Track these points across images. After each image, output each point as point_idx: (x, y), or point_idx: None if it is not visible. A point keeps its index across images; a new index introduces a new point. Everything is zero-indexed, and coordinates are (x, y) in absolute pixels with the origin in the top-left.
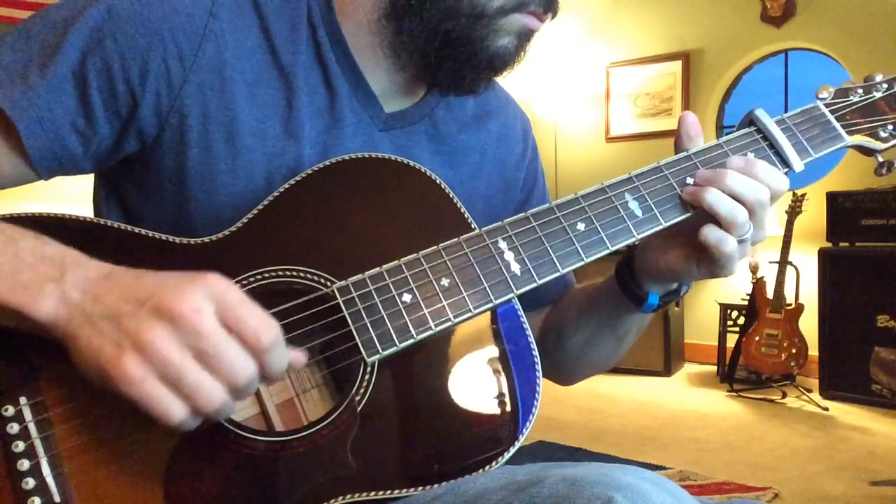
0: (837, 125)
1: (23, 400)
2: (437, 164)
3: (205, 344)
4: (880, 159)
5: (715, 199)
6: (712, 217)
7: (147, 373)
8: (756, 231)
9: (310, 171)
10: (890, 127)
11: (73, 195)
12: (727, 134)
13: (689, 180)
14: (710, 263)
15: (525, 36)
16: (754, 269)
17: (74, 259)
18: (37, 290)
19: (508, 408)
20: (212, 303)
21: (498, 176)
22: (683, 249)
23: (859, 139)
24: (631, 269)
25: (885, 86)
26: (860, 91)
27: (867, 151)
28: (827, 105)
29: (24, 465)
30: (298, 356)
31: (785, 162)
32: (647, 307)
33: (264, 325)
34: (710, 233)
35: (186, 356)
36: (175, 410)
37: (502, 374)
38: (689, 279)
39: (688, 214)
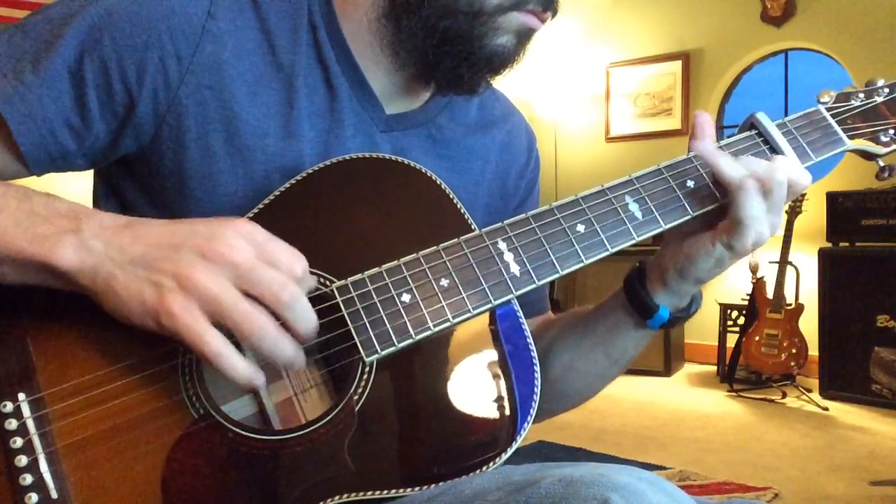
0: (838, 129)
1: (21, 396)
2: (440, 169)
3: (243, 271)
4: (881, 164)
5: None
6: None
7: (190, 305)
8: (772, 212)
9: (310, 171)
10: (891, 131)
11: (73, 194)
12: (728, 135)
13: (690, 183)
14: (728, 232)
15: (525, 35)
16: (754, 269)
17: (86, 212)
18: (56, 240)
19: (507, 409)
20: (244, 239)
21: (499, 185)
22: (697, 233)
23: (860, 143)
24: (643, 279)
25: (887, 90)
26: (861, 95)
27: (868, 156)
28: (828, 109)
29: (22, 461)
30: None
31: None
32: (657, 320)
33: (296, 257)
34: (750, 196)
35: (227, 286)
36: (213, 340)
37: (501, 375)
38: (703, 259)
39: (688, 217)
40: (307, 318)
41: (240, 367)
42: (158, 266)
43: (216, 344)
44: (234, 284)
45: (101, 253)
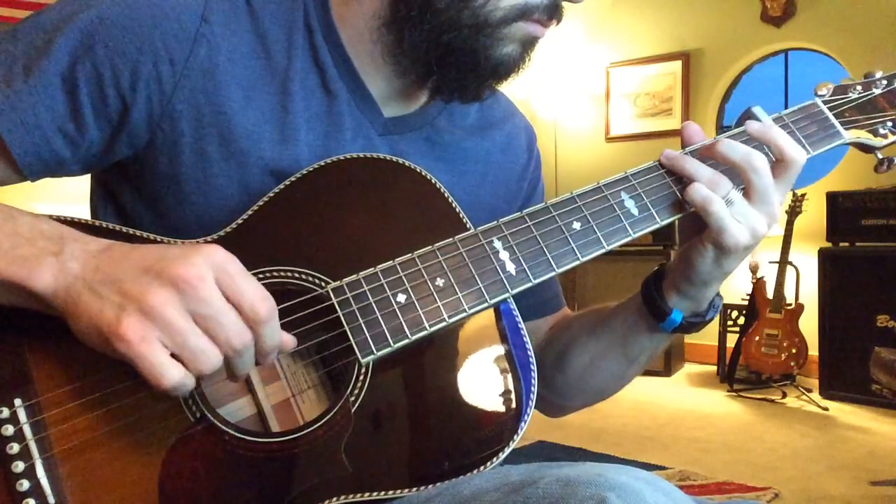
0: (836, 122)
1: (17, 402)
2: (439, 172)
3: (206, 309)
4: (879, 156)
5: (694, 165)
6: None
7: (147, 334)
8: (759, 202)
9: (304, 172)
10: (889, 123)
11: (71, 195)
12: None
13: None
14: (711, 233)
15: (529, 43)
16: (754, 269)
17: (73, 235)
18: (35, 262)
19: (502, 409)
20: (213, 272)
21: (502, 186)
22: (695, 238)
23: (858, 136)
24: (659, 283)
25: (885, 82)
26: (859, 88)
27: (866, 148)
28: (825, 102)
29: (19, 467)
30: (290, 338)
31: None
32: (669, 323)
33: (261, 298)
34: (695, 192)
35: (189, 320)
36: (172, 373)
37: (498, 375)
38: (699, 262)
39: (684, 213)
40: (247, 367)
41: (183, 392)
42: (124, 288)
43: (177, 378)
44: (191, 315)
45: (77, 274)
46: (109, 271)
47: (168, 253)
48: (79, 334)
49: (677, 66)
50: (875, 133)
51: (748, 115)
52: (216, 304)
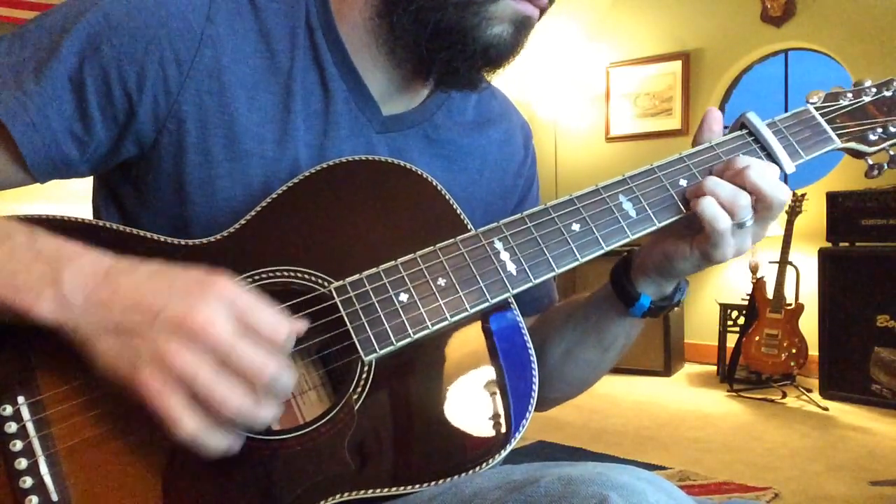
0: (828, 128)
1: (21, 399)
2: (437, 168)
3: (222, 350)
4: (870, 162)
5: (715, 183)
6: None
7: (165, 387)
8: (758, 229)
9: (307, 174)
10: (879, 130)
11: (74, 195)
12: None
13: (682, 182)
14: (704, 243)
15: (521, 24)
16: (754, 269)
17: (68, 253)
18: (35, 293)
19: (500, 407)
20: (224, 308)
21: (498, 183)
22: (679, 234)
23: (849, 142)
24: (627, 269)
25: (874, 90)
26: (850, 95)
27: (857, 154)
28: (817, 109)
29: (22, 463)
30: (300, 324)
31: (776, 164)
32: (638, 308)
33: (279, 322)
34: (706, 206)
35: (204, 366)
36: (186, 423)
37: (494, 374)
38: (681, 262)
39: (681, 215)
40: (286, 390)
41: (214, 445)
42: (135, 339)
43: (191, 428)
44: (213, 361)
45: (79, 312)
46: (118, 316)
47: (173, 291)
48: (93, 370)
49: (677, 66)
50: (865, 140)
51: (742, 120)
52: (231, 341)
